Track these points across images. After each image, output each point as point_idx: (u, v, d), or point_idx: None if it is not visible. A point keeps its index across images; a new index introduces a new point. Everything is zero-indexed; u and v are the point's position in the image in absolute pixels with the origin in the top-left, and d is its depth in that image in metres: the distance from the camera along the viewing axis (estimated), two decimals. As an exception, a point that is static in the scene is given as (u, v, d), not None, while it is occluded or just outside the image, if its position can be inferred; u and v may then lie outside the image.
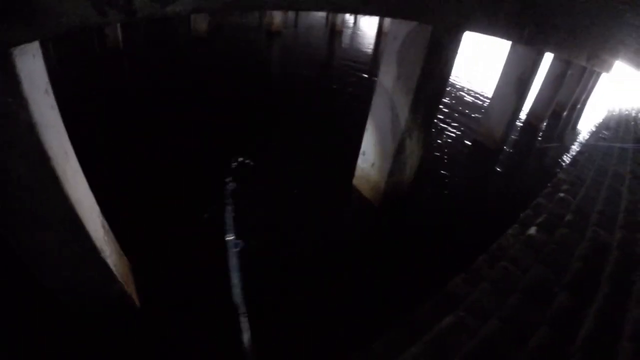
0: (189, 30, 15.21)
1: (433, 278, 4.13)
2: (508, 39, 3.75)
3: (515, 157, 8.53)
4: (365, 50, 17.24)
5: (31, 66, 2.29)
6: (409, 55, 4.44)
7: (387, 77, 4.84)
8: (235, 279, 4.06)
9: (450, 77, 12.10)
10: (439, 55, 4.38)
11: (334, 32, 19.88)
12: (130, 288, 3.56)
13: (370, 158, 5.44)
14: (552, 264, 3.82)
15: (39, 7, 1.76)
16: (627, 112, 12.88)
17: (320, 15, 24.87)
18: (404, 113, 4.69)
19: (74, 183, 2.75)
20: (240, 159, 6.36)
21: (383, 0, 3.32)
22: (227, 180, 5.75)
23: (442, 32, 4.14)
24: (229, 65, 12.26)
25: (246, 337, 3.49)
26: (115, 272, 3.16)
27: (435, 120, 9.24)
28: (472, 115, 10.35)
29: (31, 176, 2.35)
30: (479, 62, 16.27)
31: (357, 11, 3.29)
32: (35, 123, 2.22)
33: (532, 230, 4.53)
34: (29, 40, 1.85)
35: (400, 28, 4.46)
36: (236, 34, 17.24)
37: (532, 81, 7.69)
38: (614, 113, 12.77)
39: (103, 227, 3.29)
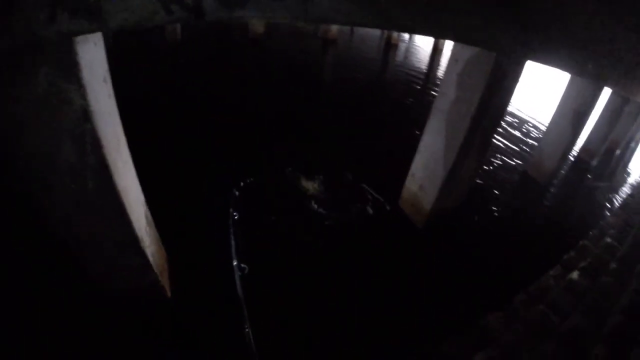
0: (246, 30, 15.48)
1: (466, 310, 4.03)
2: (569, 71, 3.55)
3: (564, 193, 8.07)
4: (420, 65, 16.95)
5: (92, 54, 2.29)
6: (470, 79, 4.27)
7: (444, 100, 4.66)
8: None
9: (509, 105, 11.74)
10: (500, 82, 4.21)
11: (390, 44, 19.73)
12: (164, 279, 3.59)
13: (418, 180, 5.26)
14: (592, 314, 3.58)
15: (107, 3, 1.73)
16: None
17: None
18: (459, 138, 4.48)
19: (123, 172, 2.76)
20: (285, 166, 6.36)
21: (451, 26, 3.19)
22: (271, 183, 5.81)
23: (505, 59, 3.96)
24: (284, 69, 12.38)
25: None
26: (152, 262, 3.18)
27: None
28: (524, 146, 9.91)
29: (82, 162, 2.35)
30: (537, 93, 15.66)
31: (416, 32, 3.19)
32: (91, 111, 2.21)
33: (575, 274, 4.30)
34: (94, 31, 1.82)
35: (463, 51, 4.31)
36: (291, 39, 17.44)
37: (589, 115, 7.26)
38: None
39: (146, 217, 3.32)
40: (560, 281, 4.27)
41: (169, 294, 3.63)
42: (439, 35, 3.27)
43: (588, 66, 3.48)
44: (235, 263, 4.23)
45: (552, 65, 3.83)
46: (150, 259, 3.17)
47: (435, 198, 4.97)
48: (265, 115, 8.42)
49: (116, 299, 3.35)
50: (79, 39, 2.03)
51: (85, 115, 2.18)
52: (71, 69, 2.05)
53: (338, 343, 3.61)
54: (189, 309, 3.63)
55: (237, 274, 4.11)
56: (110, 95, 2.67)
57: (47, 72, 2.00)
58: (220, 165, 6.02)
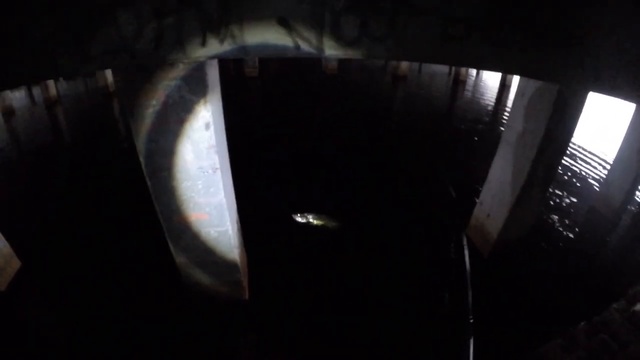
0: (320, 66, 16.32)
1: (526, 339, 4.03)
2: (632, 101, 3.60)
3: (633, 229, 7.66)
4: (488, 101, 16.80)
5: (213, 75, 2.84)
6: (535, 111, 4.46)
7: (512, 132, 4.86)
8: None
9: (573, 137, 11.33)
10: (564, 113, 4.34)
11: (458, 81, 19.78)
12: (245, 280, 3.97)
13: (486, 209, 5.38)
14: None
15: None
16: None
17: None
18: (525, 168, 4.62)
19: (226, 175, 3.26)
20: (352, 189, 6.74)
21: (514, 61, 3.46)
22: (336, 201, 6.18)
23: (568, 91, 4.11)
24: (357, 102, 12.88)
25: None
26: (238, 263, 3.58)
27: (554, 181, 8.75)
28: (591, 179, 9.53)
29: (197, 163, 2.87)
30: (603, 125, 14.93)
31: (484, 67, 3.47)
32: (209, 122, 2.73)
33: (638, 307, 4.15)
34: (234, 57, 2.34)
35: (528, 85, 4.52)
36: (363, 74, 18.07)
37: None
38: None
39: (237, 221, 3.76)
40: (623, 313, 4.15)
41: (247, 295, 4.01)
42: (506, 71, 3.55)
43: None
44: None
45: (614, 96, 3.92)
46: (237, 258, 3.58)
47: (502, 226, 5.04)
48: (337, 146, 8.94)
49: (202, 298, 3.79)
50: (208, 61, 2.57)
51: (206, 124, 2.70)
52: (200, 85, 2.59)
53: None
54: (262, 313, 3.98)
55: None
56: (221, 112, 3.21)
57: (180, 87, 2.55)
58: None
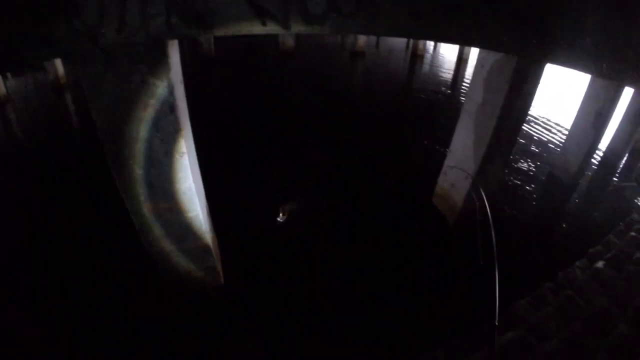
0: (276, 45, 16.04)
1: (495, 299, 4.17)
2: (587, 72, 3.79)
3: (590, 193, 8.10)
4: (446, 74, 17.13)
5: (175, 58, 2.74)
6: (495, 82, 4.59)
7: (472, 103, 4.99)
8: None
9: (531, 107, 11.77)
10: (523, 84, 4.48)
11: (415, 55, 19.98)
12: (219, 266, 3.95)
13: (450, 179, 5.55)
14: (617, 298, 3.76)
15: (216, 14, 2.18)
16: None
17: (401, 38, 25.16)
18: (486, 137, 4.77)
19: (193, 160, 3.18)
20: (319, 167, 6.78)
21: (476, 35, 3.54)
22: (302, 178, 6.26)
23: (526, 62, 4.25)
24: (315, 80, 12.80)
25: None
26: (211, 247, 3.55)
27: (514, 149, 9.09)
28: (550, 148, 10.00)
29: (163, 148, 2.78)
30: (559, 95, 15.59)
31: (445, 40, 3.55)
32: (174, 105, 2.65)
33: (600, 264, 4.46)
34: (199, 36, 2.26)
35: (487, 57, 4.64)
36: (320, 52, 17.92)
37: (611, 116, 7.33)
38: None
39: (206, 205, 3.71)
40: (586, 270, 4.44)
41: (222, 279, 4.00)
42: (468, 44, 3.63)
43: (603, 66, 3.74)
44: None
45: (569, 67, 4.10)
46: (210, 243, 3.55)
47: (465, 195, 5.22)
48: (298, 124, 8.90)
49: (178, 284, 3.73)
50: (170, 43, 2.47)
51: (171, 108, 2.62)
52: (163, 68, 2.49)
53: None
54: (239, 295, 3.98)
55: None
56: (184, 95, 3.11)
57: (143, 71, 2.45)
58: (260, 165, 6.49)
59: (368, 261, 4.76)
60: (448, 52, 24.15)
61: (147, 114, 2.61)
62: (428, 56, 21.98)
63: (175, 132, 2.72)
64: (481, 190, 5.40)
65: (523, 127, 10.97)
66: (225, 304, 3.85)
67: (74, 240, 4.73)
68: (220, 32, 2.26)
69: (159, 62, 2.46)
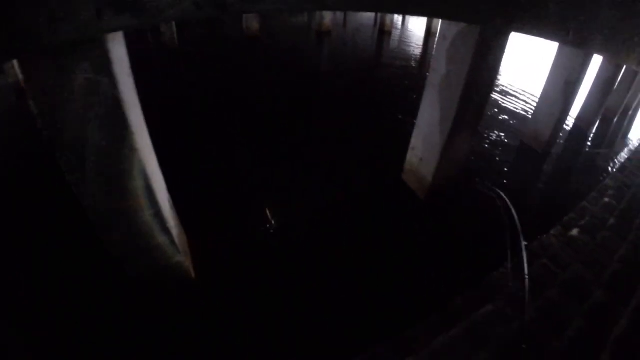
0: (241, 30, 15.69)
1: (471, 271, 4.20)
2: (554, 40, 3.78)
3: (563, 161, 8.18)
4: (414, 49, 17.12)
5: (119, 52, 2.60)
6: (459, 54, 4.53)
7: (436, 75, 4.94)
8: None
9: (499, 77, 11.86)
10: (487, 54, 4.43)
11: (383, 32, 19.82)
12: (188, 260, 3.88)
13: (419, 153, 5.54)
14: (592, 264, 3.84)
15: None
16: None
17: (369, 15, 24.91)
18: (452, 110, 4.73)
19: (149, 156, 3.07)
20: (290, 149, 6.72)
21: (437, 6, 3.48)
22: (276, 165, 6.18)
23: (489, 32, 4.21)
24: (282, 63, 12.60)
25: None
26: (177, 243, 3.47)
27: (484, 120, 9.15)
28: (520, 117, 10.10)
29: (113, 146, 2.66)
30: (528, 64, 15.76)
31: (405, 12, 3.48)
32: (122, 100, 2.53)
33: (575, 231, 4.53)
34: (132, 29, 2.13)
35: (450, 28, 4.57)
36: (286, 34, 17.63)
37: (580, 84, 7.38)
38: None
39: (169, 201, 3.61)
40: (560, 238, 4.48)
41: (193, 274, 3.93)
42: (430, 15, 3.57)
43: (570, 33, 3.74)
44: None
45: (535, 35, 4.10)
46: (176, 239, 3.47)
47: (435, 169, 5.22)
48: (267, 108, 8.76)
49: (146, 282, 3.65)
50: (110, 36, 2.34)
51: (117, 104, 2.50)
52: (105, 64, 2.36)
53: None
54: (211, 291, 3.93)
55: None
56: (133, 88, 2.97)
57: (85, 68, 2.31)
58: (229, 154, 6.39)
59: (338, 245, 4.75)
60: (417, 27, 24.12)
61: (94, 112, 2.48)
62: (396, 32, 21.89)
63: (124, 128, 2.60)
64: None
65: (493, 96, 11.10)
66: (194, 299, 3.78)
67: (35, 244, 4.58)
68: (158, 20, 2.14)
69: (102, 58, 2.33)
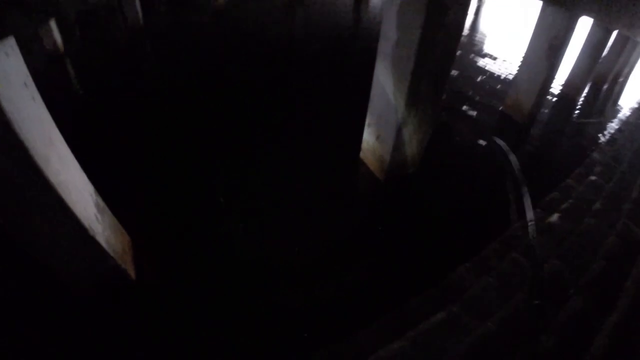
0: (207, 4, 15.05)
1: (432, 261, 4.07)
2: None
3: (548, 132, 7.74)
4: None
5: (5, 64, 2.38)
6: (408, 18, 4.06)
7: (387, 43, 4.51)
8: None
9: (473, 41, 11.38)
10: (441, 17, 3.95)
11: (360, -1, 19.00)
12: (127, 262, 3.76)
13: (375, 130, 5.23)
14: (572, 261, 3.34)
15: None
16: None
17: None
18: (405, 82, 4.37)
19: (59, 167, 2.89)
20: (255, 127, 6.67)
21: None
22: (237, 146, 6.10)
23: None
24: (251, 37, 12.11)
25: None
26: (107, 249, 3.33)
27: (458, 91, 8.82)
28: (499, 85, 9.63)
29: (14, 168, 2.48)
30: (506, 26, 15.12)
31: None
32: (9, 120, 2.31)
33: (554, 217, 4.04)
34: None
35: (399, -15, 4.05)
36: (254, 4, 16.88)
37: (566, 48, 6.87)
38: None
39: (96, 205, 3.45)
40: (538, 224, 3.97)
41: (133, 276, 3.83)
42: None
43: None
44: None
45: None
46: (105, 245, 3.32)
47: (392, 147, 4.93)
48: (240, 84, 8.51)
49: (80, 287, 3.57)
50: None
51: (5, 126, 2.29)
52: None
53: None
54: (150, 290, 3.88)
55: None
56: (34, 98, 2.77)
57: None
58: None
59: (296, 231, 4.66)
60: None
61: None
62: None
63: (18, 147, 2.42)
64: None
65: (482, 61, 10.64)
66: (128, 302, 3.73)
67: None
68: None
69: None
